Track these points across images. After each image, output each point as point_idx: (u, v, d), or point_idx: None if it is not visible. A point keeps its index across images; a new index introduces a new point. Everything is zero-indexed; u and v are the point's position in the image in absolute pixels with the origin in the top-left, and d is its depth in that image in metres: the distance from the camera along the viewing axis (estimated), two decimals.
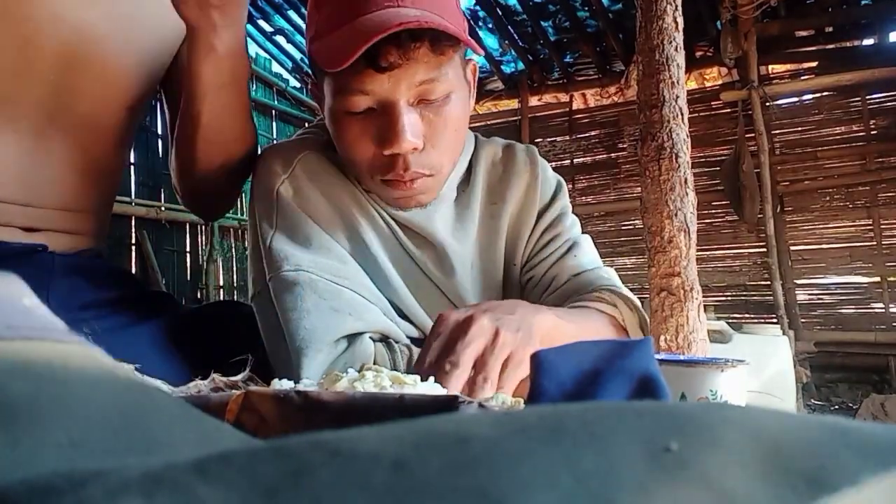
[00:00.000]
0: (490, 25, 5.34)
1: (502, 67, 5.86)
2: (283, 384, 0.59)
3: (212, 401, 0.35)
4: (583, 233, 1.03)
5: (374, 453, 0.16)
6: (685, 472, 0.16)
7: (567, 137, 5.89)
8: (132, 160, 4.64)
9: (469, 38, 0.79)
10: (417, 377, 0.57)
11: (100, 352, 0.21)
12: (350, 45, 0.74)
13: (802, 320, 4.85)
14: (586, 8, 5.04)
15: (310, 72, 0.93)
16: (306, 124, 1.37)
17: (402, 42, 0.75)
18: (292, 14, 5.45)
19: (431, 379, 0.56)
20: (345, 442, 0.16)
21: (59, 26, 0.87)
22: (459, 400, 0.32)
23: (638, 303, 0.94)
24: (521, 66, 5.78)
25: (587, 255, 0.98)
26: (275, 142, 5.73)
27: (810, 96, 5.00)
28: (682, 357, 0.68)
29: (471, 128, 1.00)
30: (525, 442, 0.16)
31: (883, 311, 4.71)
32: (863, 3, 4.71)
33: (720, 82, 5.37)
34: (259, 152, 0.99)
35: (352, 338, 0.83)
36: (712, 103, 5.26)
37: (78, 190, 0.96)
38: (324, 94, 0.87)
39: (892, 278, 4.71)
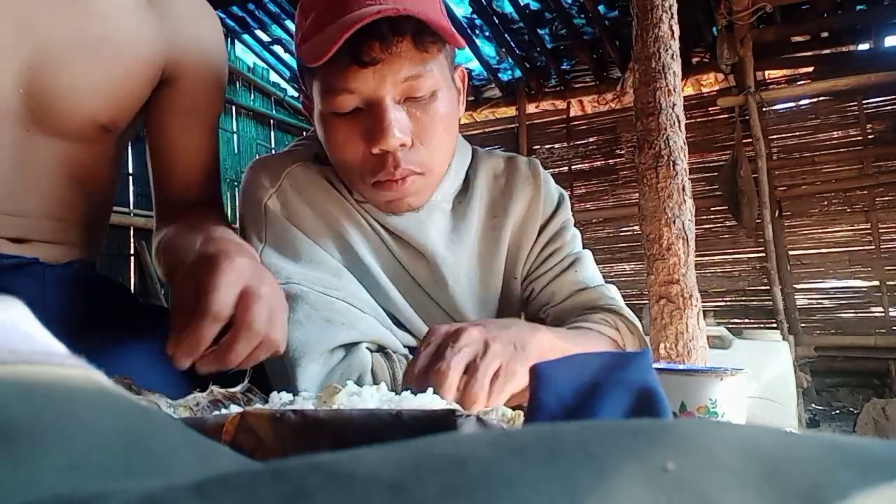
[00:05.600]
0: (487, 33, 5.36)
1: (499, 75, 5.89)
2: (282, 397, 0.59)
3: (208, 422, 0.35)
4: (582, 238, 1.03)
5: (372, 475, 0.16)
6: (682, 491, 0.16)
7: (565, 144, 5.91)
8: (130, 171, 4.65)
9: (452, 30, 0.79)
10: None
11: (100, 375, 0.21)
12: (331, 38, 0.75)
13: (802, 325, 4.85)
14: (582, 15, 5.07)
15: (301, 82, 0.94)
16: (304, 133, 1.36)
17: (384, 36, 0.76)
18: (290, 24, 5.47)
19: (430, 390, 0.56)
20: (343, 464, 0.16)
21: (24, 33, 0.85)
22: (457, 414, 0.32)
23: (639, 324, 0.93)
24: (518, 73, 5.80)
25: (588, 271, 0.97)
26: (273, 151, 5.75)
27: (807, 101, 5.02)
28: (681, 366, 0.68)
29: (469, 136, 1.00)
30: (522, 463, 0.16)
31: (882, 314, 4.72)
32: (858, 8, 4.73)
33: (717, 88, 5.39)
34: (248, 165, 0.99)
35: (348, 348, 0.83)
36: (709, 109, 5.28)
37: (65, 201, 0.95)
38: (313, 103, 0.88)
39: (891, 282, 4.71)
